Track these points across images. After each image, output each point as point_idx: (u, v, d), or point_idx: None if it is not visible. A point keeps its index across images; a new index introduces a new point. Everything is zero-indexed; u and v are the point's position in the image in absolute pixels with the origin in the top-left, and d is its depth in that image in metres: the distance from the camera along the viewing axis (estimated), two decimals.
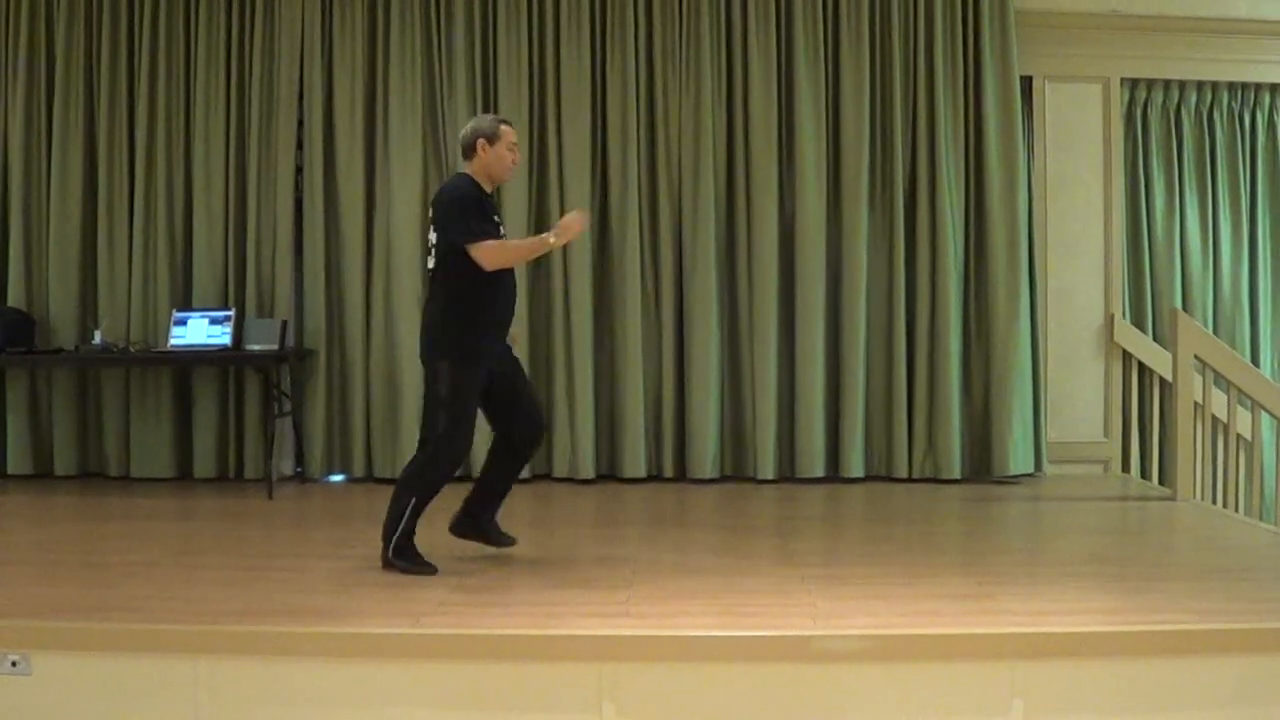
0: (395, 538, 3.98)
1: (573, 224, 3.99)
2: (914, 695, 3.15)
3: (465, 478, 5.88)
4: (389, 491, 5.82)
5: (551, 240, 4.00)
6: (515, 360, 4.23)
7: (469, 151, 4.06)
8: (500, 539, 4.22)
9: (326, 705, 3.17)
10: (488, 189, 4.10)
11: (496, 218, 4.10)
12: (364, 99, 6.19)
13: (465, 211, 3.93)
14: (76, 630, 3.24)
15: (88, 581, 3.84)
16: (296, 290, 6.28)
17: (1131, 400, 6.43)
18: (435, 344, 4.01)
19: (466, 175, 4.06)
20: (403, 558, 3.97)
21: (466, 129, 4.10)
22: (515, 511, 5.42)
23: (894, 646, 3.17)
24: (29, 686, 3.19)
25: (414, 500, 3.97)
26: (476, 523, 4.21)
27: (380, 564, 4.01)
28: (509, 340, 4.19)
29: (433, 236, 4.01)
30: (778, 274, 6.12)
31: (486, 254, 3.90)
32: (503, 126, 4.07)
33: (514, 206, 6.10)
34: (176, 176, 6.22)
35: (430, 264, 4.05)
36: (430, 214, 4.09)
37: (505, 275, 4.02)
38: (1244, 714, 3.16)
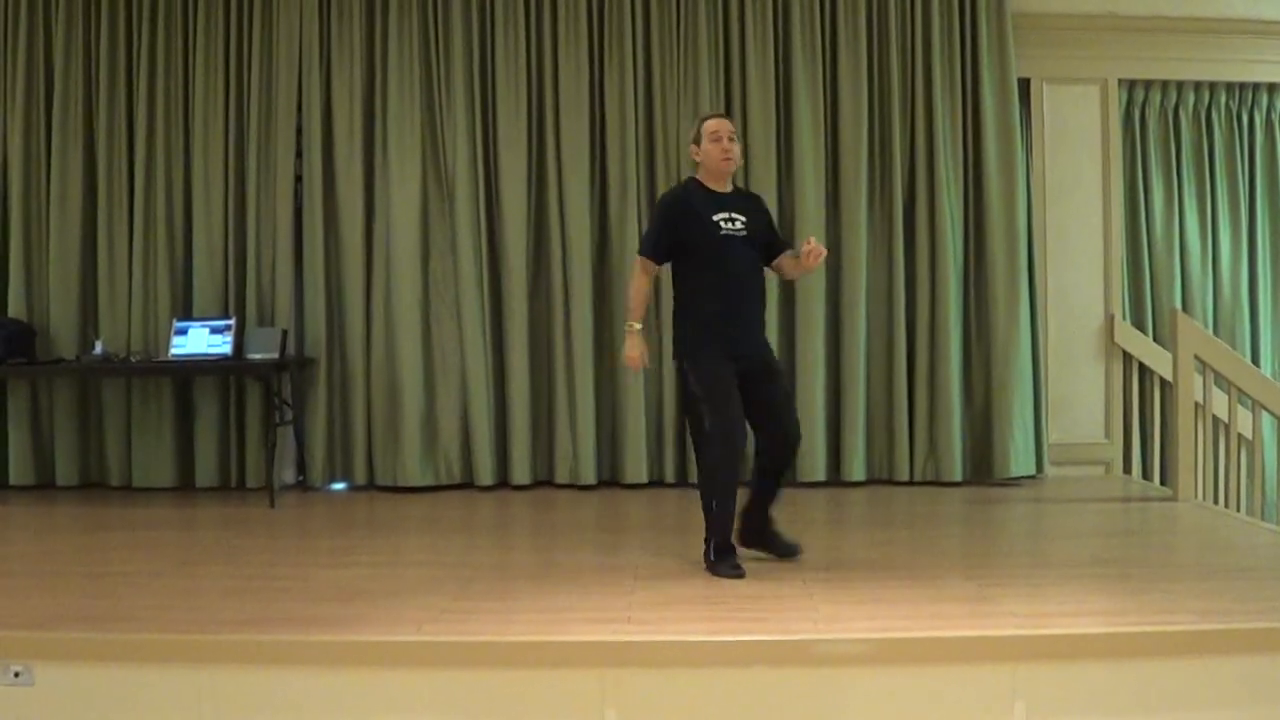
0: (713, 543, 4.01)
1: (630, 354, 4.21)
2: (916, 698, 3.15)
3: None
4: (391, 499, 5.91)
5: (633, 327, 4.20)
6: (767, 364, 4.17)
7: (693, 159, 4.23)
8: (782, 548, 4.20)
9: (330, 714, 3.16)
10: (714, 186, 4.15)
11: (720, 216, 4.07)
12: (363, 107, 6.20)
13: (653, 222, 4.23)
14: (79, 640, 3.24)
15: (90, 592, 3.84)
16: (297, 299, 6.28)
17: (1132, 401, 6.43)
18: (674, 345, 4.20)
19: (691, 178, 4.23)
20: (719, 562, 3.98)
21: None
22: (515, 517, 5.45)
23: (895, 650, 3.17)
24: (32, 697, 3.19)
25: (716, 504, 3.97)
26: (756, 533, 4.20)
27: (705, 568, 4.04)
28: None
29: None
30: (777, 277, 6.10)
31: (635, 268, 4.24)
32: (704, 124, 4.15)
33: (513, 208, 6.12)
34: (176, 186, 6.23)
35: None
36: None
37: (715, 270, 4.06)
38: (1247, 715, 3.16)
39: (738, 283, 4.10)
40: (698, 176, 4.20)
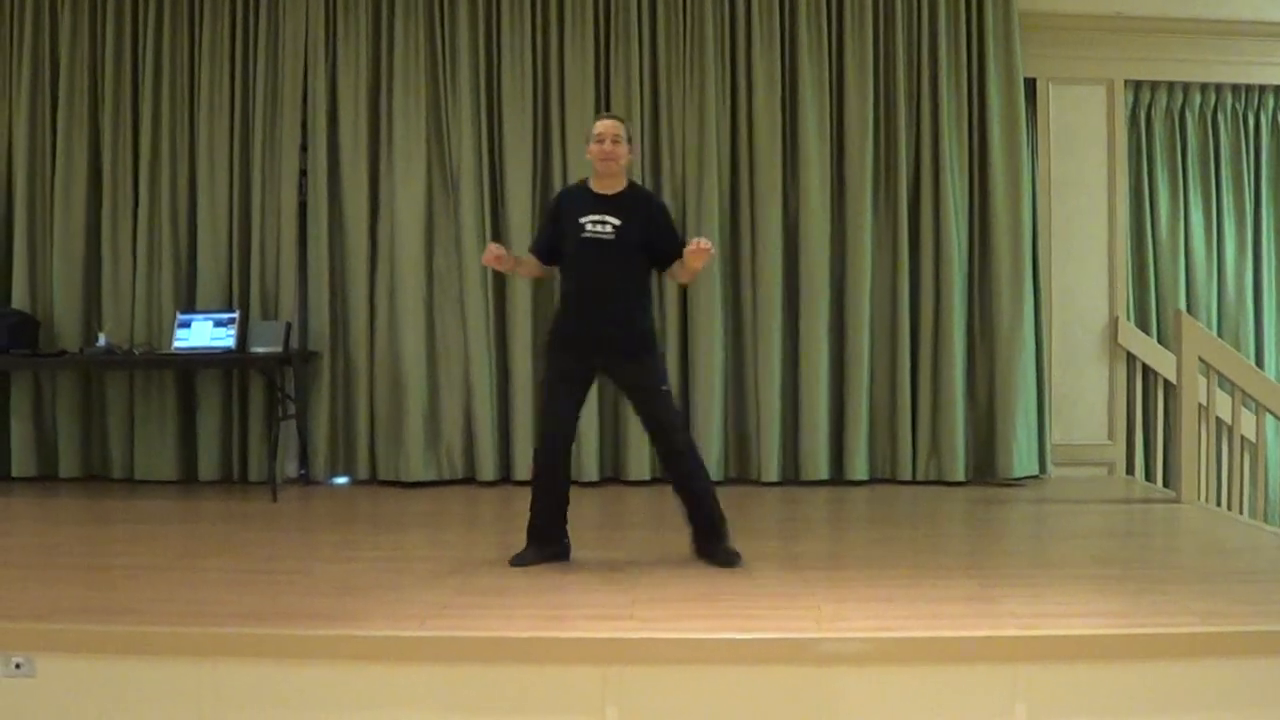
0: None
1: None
2: (917, 698, 3.15)
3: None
4: (393, 494, 5.90)
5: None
6: (623, 372, 4.17)
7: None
8: (721, 556, 4.19)
9: (331, 709, 3.17)
10: (599, 187, 4.18)
11: (590, 218, 4.10)
12: (368, 101, 6.20)
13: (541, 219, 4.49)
14: (80, 633, 3.25)
15: (92, 584, 3.85)
16: (301, 292, 6.28)
17: (1136, 402, 6.42)
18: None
19: (584, 178, 4.28)
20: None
21: None
22: (517, 513, 5.42)
23: (897, 649, 3.17)
24: (33, 689, 3.19)
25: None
26: (696, 543, 4.29)
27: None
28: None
29: None
30: (781, 275, 6.11)
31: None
32: (593, 125, 4.20)
33: (517, 204, 6.11)
34: (181, 179, 6.23)
35: None
36: None
37: (573, 271, 4.17)
38: (1249, 717, 3.16)
39: (593, 286, 4.12)
40: (590, 176, 4.24)
